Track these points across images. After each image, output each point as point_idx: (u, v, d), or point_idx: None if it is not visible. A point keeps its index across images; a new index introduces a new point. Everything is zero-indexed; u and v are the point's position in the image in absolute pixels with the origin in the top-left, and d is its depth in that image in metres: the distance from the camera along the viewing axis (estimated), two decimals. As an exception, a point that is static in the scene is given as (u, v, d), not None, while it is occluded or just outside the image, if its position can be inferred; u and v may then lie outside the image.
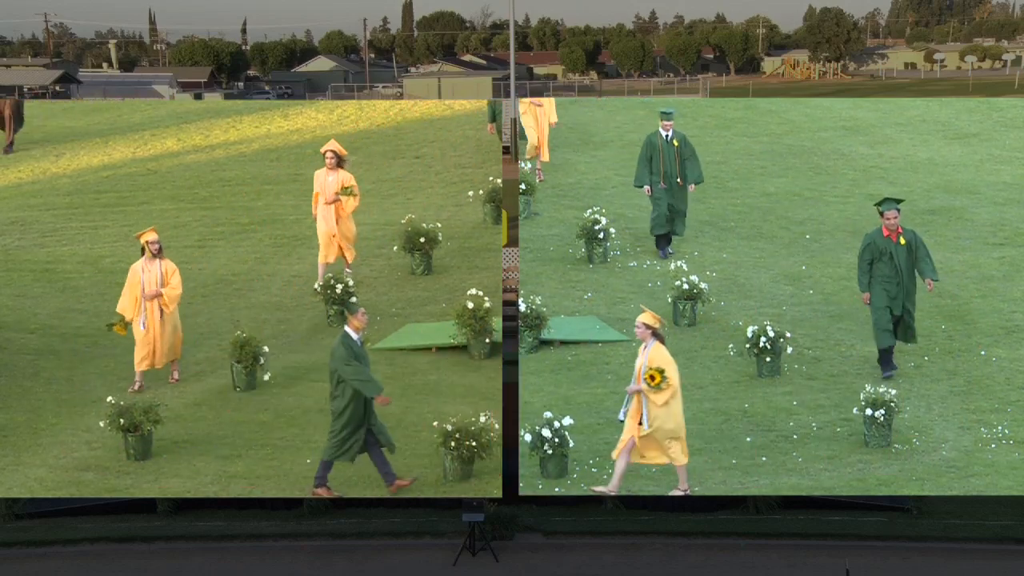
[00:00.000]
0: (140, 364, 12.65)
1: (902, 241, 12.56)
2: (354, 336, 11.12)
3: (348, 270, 14.64)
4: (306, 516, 15.05)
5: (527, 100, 17.82)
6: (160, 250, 12.85)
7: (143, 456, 11.35)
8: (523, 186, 16.55)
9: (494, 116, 18.43)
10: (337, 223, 14.56)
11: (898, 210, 12.60)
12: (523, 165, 16.96)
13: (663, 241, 15.14)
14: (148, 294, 12.67)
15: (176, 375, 12.83)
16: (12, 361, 12.91)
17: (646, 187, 14.91)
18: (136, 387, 12.58)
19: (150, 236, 12.86)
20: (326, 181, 14.63)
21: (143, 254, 12.83)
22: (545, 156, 17.65)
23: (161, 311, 12.69)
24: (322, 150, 14.71)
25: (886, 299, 12.55)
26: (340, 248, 14.67)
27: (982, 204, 17.06)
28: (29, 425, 11.78)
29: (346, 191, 14.52)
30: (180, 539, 14.38)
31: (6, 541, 14.48)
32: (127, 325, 12.64)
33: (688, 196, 15.07)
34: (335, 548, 14.18)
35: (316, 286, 14.28)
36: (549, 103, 17.96)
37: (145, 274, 12.71)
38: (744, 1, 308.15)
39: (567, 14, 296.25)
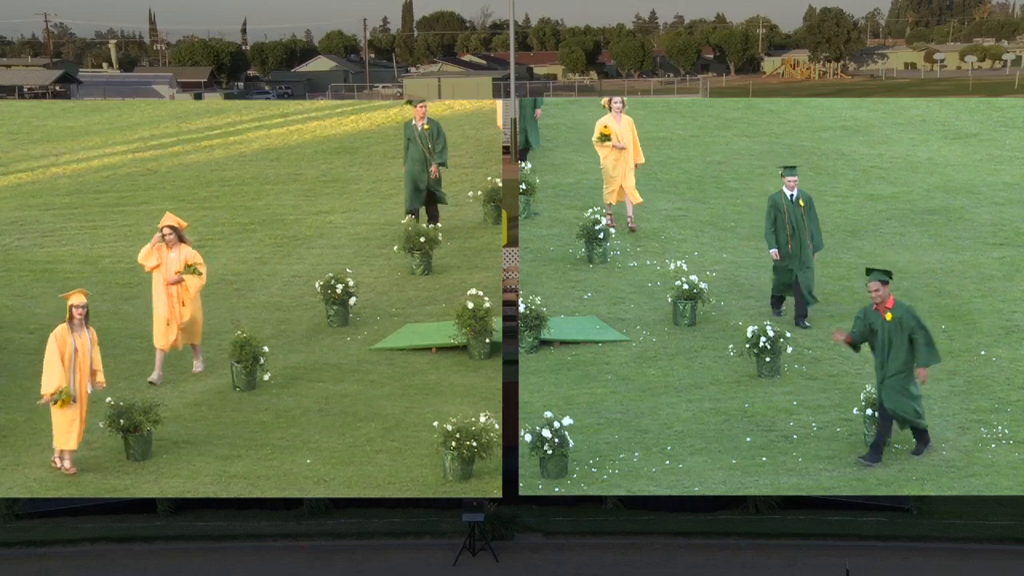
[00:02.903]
0: (68, 443, 11.23)
1: (888, 316, 11.26)
2: None
3: (198, 363, 12.84)
4: (306, 516, 15.04)
5: (608, 144, 15.74)
6: (87, 315, 11.41)
7: (143, 456, 11.33)
8: (523, 186, 16.55)
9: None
10: (181, 306, 12.70)
11: (882, 282, 11.28)
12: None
13: (779, 302, 13.83)
14: (81, 366, 11.27)
15: (68, 464, 11.31)
16: (12, 361, 12.89)
17: (774, 251, 13.60)
18: (67, 465, 11.21)
19: (77, 300, 11.36)
20: (168, 259, 12.70)
21: (69, 319, 11.31)
22: (636, 197, 15.88)
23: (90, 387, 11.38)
24: (159, 225, 12.77)
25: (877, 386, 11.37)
26: (179, 335, 12.72)
27: (982, 204, 17.06)
28: (29, 425, 11.76)
29: (189, 270, 12.72)
30: (180, 539, 14.39)
31: (6, 541, 14.48)
32: (70, 395, 11.19)
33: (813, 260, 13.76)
34: (335, 548, 14.18)
35: (151, 379, 12.58)
36: (629, 128, 15.86)
37: (78, 340, 11.27)
38: (744, 1, 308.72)
39: (567, 14, 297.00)
